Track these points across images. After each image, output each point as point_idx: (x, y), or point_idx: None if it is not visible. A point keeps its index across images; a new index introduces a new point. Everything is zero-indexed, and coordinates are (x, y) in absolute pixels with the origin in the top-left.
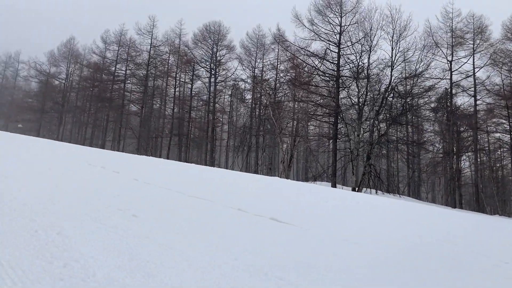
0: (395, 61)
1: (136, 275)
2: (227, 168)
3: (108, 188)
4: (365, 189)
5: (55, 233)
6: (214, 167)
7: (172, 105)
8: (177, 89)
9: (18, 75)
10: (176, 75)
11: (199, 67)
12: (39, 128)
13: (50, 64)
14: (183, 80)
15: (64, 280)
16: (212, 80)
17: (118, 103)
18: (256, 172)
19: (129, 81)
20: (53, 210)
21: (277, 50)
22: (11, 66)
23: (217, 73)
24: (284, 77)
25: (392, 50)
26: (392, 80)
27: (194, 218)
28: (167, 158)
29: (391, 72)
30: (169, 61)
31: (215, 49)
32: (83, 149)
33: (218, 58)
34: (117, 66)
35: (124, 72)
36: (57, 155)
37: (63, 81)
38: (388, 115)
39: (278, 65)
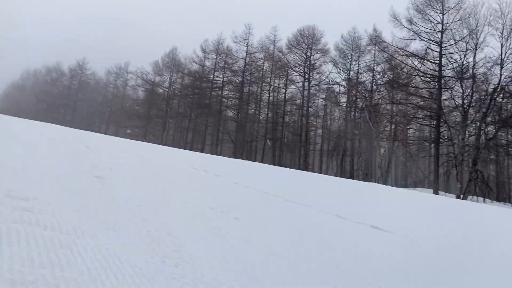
0: (505, 59)
1: (242, 279)
2: (320, 173)
3: (211, 190)
4: (471, 196)
5: (165, 233)
6: (307, 171)
7: (266, 110)
8: (271, 94)
9: (127, 84)
10: (270, 81)
11: (293, 72)
12: (146, 134)
13: (155, 74)
14: (277, 85)
15: (176, 279)
16: (306, 84)
17: (216, 109)
18: (351, 177)
19: (226, 88)
20: (163, 211)
21: (373, 52)
22: (121, 76)
23: (311, 77)
24: (381, 79)
25: (502, 47)
26: (502, 80)
27: (291, 222)
28: (261, 162)
29: (501, 71)
30: (264, 67)
31: (309, 53)
32: (186, 153)
33: (312, 62)
34: (215, 74)
35: (221, 79)
36: (164, 159)
37: (167, 89)
38: (497, 117)
39: (375, 67)
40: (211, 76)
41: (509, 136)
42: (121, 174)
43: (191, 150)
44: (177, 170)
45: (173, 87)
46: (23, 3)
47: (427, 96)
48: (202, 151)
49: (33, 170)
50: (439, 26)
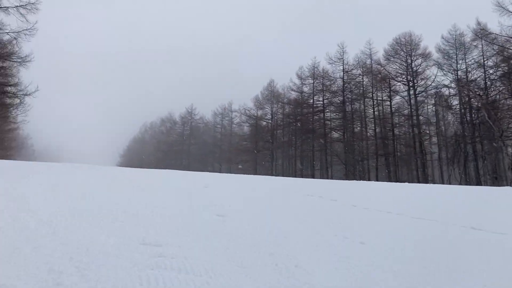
0: None
1: None
2: (443, 183)
3: (330, 216)
4: None
5: (293, 265)
6: (427, 183)
7: (373, 125)
8: (376, 109)
9: (232, 122)
10: (372, 95)
11: (395, 82)
12: (255, 166)
13: (257, 108)
14: (381, 98)
15: None
16: (411, 92)
17: (320, 133)
18: (478, 183)
19: (327, 110)
20: (287, 242)
21: (480, 46)
22: (226, 116)
23: (416, 84)
24: (494, 73)
25: None
26: None
27: (424, 242)
28: (376, 180)
29: None
30: (364, 82)
31: (409, 60)
32: (298, 180)
33: (414, 68)
34: (314, 98)
35: (321, 102)
36: (277, 190)
37: (270, 121)
38: None
39: (485, 62)
40: (311, 101)
41: None
42: (240, 210)
43: (301, 177)
44: (293, 199)
45: (275, 117)
46: (136, 67)
47: None
48: (312, 176)
49: (161, 216)
50: None
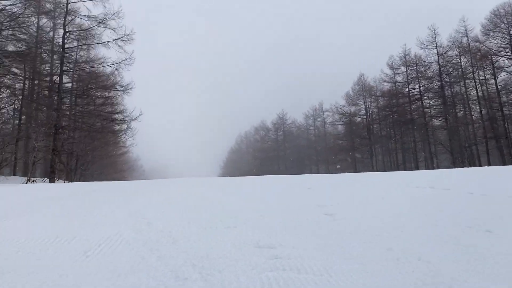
0: None
1: None
2: None
3: (446, 206)
4: None
5: (416, 259)
6: None
7: (478, 107)
8: (479, 89)
9: (325, 122)
10: (473, 75)
11: (498, 58)
12: (355, 164)
13: (349, 105)
14: (483, 77)
15: None
16: None
17: (420, 122)
18: None
19: (425, 97)
20: (404, 236)
21: None
22: (318, 117)
23: None
24: None
25: None
26: None
27: None
28: (489, 165)
29: None
30: (462, 63)
31: None
32: (402, 173)
33: None
34: (409, 87)
35: (418, 89)
36: (382, 185)
37: (364, 116)
38: None
39: None
40: (406, 90)
41: None
42: (347, 207)
43: (404, 170)
44: (401, 192)
45: (370, 112)
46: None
47: None
48: (417, 168)
49: (270, 219)
50: None
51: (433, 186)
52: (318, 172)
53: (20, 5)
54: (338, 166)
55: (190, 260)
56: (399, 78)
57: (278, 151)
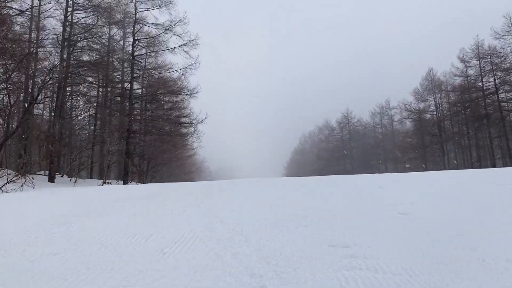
0: None
1: None
2: None
3: None
4: None
5: (503, 260)
6: None
7: None
8: None
9: (393, 120)
10: None
11: None
12: (425, 163)
13: (418, 101)
14: None
15: None
16: None
17: (496, 117)
18: None
19: (501, 90)
20: (488, 236)
21: None
22: (385, 115)
23: None
24: None
25: None
26: None
27: None
28: None
29: None
30: None
31: None
32: (477, 171)
33: None
34: (483, 80)
35: (493, 83)
36: (456, 181)
37: (434, 113)
38: None
39: None
40: (479, 84)
41: None
42: (422, 207)
43: (479, 168)
44: (479, 190)
45: (440, 108)
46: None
47: None
48: (493, 166)
49: (340, 217)
50: None
51: None
52: (386, 171)
53: (93, 17)
54: (407, 165)
55: (264, 258)
56: (471, 72)
57: (344, 150)
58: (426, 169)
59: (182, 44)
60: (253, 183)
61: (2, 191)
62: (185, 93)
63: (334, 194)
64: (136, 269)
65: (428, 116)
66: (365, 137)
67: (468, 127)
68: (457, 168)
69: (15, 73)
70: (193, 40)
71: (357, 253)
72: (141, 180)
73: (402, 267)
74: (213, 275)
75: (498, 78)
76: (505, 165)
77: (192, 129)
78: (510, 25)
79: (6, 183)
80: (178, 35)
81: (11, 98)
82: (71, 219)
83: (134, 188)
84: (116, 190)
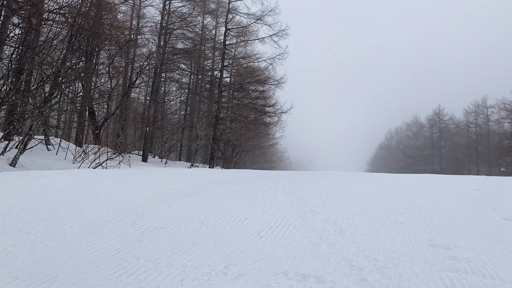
0: None
1: None
2: None
3: None
4: None
5: None
6: None
7: None
8: None
9: (489, 120)
10: None
11: None
12: None
13: None
14: None
15: None
16: None
17: None
18: None
19: None
20: None
21: None
22: (481, 113)
23: None
24: None
25: None
26: None
27: None
28: None
29: None
30: None
31: None
32: None
33: None
34: None
35: None
36: None
37: None
38: None
39: None
40: None
41: None
42: None
43: None
44: None
45: None
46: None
47: None
48: None
49: (439, 217)
50: None
51: None
52: (478, 174)
53: (189, 6)
54: (502, 169)
55: (362, 252)
56: None
57: (433, 149)
58: None
59: (272, 34)
60: (340, 176)
61: (103, 166)
62: (272, 83)
63: (429, 193)
64: (237, 248)
65: None
66: (457, 136)
67: None
68: None
69: (116, 58)
70: (283, 30)
71: (460, 255)
72: (226, 166)
73: None
74: (311, 263)
75: None
76: None
77: (276, 118)
78: None
79: (106, 160)
80: (268, 25)
81: (112, 82)
82: (171, 197)
83: (223, 172)
84: (206, 173)
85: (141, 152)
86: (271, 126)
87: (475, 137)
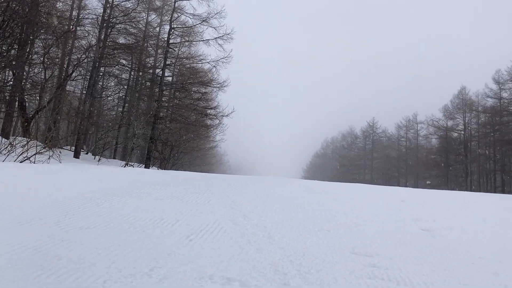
0: None
1: None
2: None
3: None
4: None
5: None
6: None
7: None
8: None
9: (418, 135)
10: None
11: None
12: (447, 182)
13: (446, 118)
14: None
15: None
16: None
17: None
18: None
19: None
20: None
21: None
22: (411, 128)
23: None
24: None
25: None
26: None
27: None
28: None
29: None
30: None
31: None
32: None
33: None
34: None
35: None
36: (482, 204)
37: (462, 132)
38: None
39: None
40: None
41: None
42: (446, 225)
43: (502, 193)
44: (505, 216)
45: (469, 128)
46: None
47: None
48: None
49: (364, 227)
50: None
51: None
52: (406, 186)
53: (133, 1)
54: (428, 182)
55: (288, 257)
56: (505, 94)
57: (365, 160)
58: (447, 188)
59: (217, 37)
60: (276, 182)
61: (31, 161)
62: (214, 85)
63: (357, 202)
64: (165, 251)
65: (455, 134)
66: (388, 148)
67: (495, 150)
68: (479, 191)
69: (52, 49)
70: (228, 34)
71: (379, 263)
72: (162, 166)
73: (424, 283)
74: (238, 267)
75: None
76: None
77: (217, 121)
78: None
79: (34, 154)
80: (214, 28)
81: (46, 73)
82: (101, 196)
83: (159, 173)
84: (141, 173)
85: (74, 147)
86: (212, 129)
87: (405, 150)
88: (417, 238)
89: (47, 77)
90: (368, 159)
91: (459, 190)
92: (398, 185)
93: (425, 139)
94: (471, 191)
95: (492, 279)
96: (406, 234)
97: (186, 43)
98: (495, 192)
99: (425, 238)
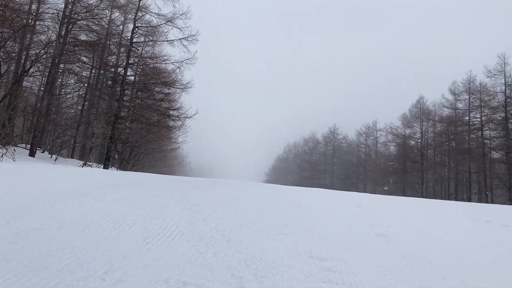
0: None
1: None
2: None
3: (505, 242)
4: None
5: None
6: None
7: None
8: None
9: (378, 142)
10: None
11: None
12: (404, 189)
13: (405, 126)
14: None
15: None
16: None
17: (478, 153)
18: None
19: (486, 128)
20: (461, 267)
21: None
22: (371, 135)
23: None
24: None
25: None
26: None
27: None
28: None
29: None
30: None
31: None
32: (456, 204)
33: None
34: (470, 115)
35: (479, 119)
36: (435, 211)
37: (419, 140)
38: None
39: None
40: (466, 118)
41: None
42: (400, 231)
43: (455, 200)
44: (457, 223)
45: (426, 136)
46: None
47: None
48: (469, 200)
49: (321, 231)
50: None
51: (489, 220)
52: (364, 191)
53: None
54: (386, 188)
55: (245, 261)
56: (460, 105)
57: (326, 165)
58: (404, 195)
59: (181, 37)
60: (237, 185)
61: None
62: (178, 87)
63: (315, 207)
64: (120, 254)
65: (413, 142)
66: (348, 154)
67: (450, 158)
68: (434, 197)
69: (9, 43)
70: (193, 35)
71: (334, 267)
72: (122, 167)
73: (377, 287)
74: (195, 271)
75: (484, 115)
76: (480, 200)
77: (179, 123)
78: (503, 65)
79: None
80: (179, 28)
81: (1, 67)
82: (56, 197)
83: (118, 174)
84: (99, 173)
85: (29, 146)
86: (174, 130)
87: (365, 157)
88: (372, 243)
89: (2, 72)
90: (329, 164)
91: (415, 196)
92: (357, 191)
93: (383, 146)
94: (426, 198)
95: (441, 284)
96: (362, 239)
97: (150, 43)
98: (448, 199)
99: (380, 243)
